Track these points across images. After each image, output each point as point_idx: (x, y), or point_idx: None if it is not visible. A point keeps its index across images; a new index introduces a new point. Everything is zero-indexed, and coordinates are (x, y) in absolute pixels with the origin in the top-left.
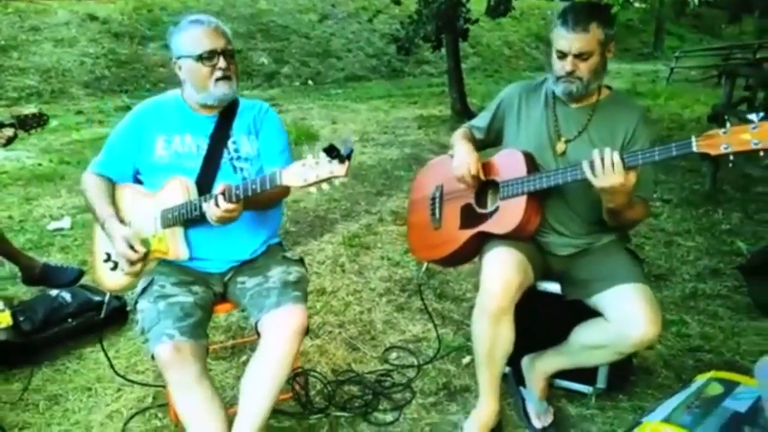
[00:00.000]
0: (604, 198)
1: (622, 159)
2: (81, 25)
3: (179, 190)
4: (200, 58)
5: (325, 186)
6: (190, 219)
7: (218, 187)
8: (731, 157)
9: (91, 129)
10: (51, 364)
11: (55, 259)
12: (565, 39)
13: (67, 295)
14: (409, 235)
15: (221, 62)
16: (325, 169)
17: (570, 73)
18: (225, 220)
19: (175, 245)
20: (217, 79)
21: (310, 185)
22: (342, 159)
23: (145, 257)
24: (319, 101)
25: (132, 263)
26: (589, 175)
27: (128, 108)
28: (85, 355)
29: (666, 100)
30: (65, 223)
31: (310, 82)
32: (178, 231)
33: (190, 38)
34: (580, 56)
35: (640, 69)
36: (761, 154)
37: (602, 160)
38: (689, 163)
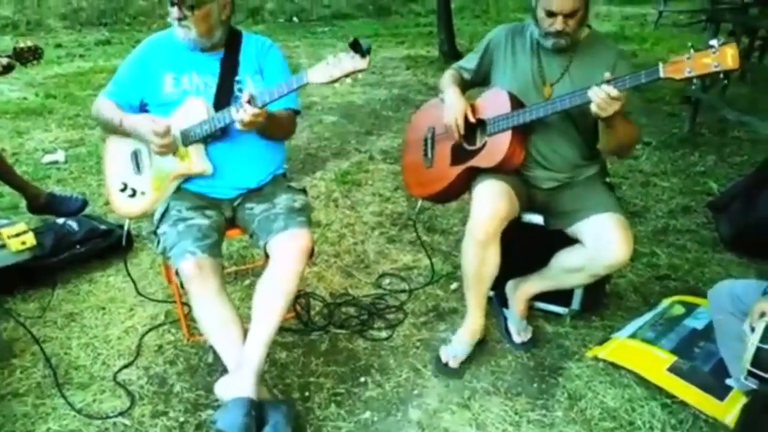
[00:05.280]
0: (606, 124)
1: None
2: None
3: (199, 109)
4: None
5: (348, 80)
6: (211, 134)
7: (244, 95)
8: (694, 81)
9: (73, 63)
10: (63, 287)
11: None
12: (556, 1)
13: (73, 224)
14: (404, 175)
15: (174, 12)
16: (349, 64)
17: (560, 31)
18: (251, 126)
19: (198, 161)
20: (175, 25)
21: (335, 80)
22: (363, 53)
23: (170, 132)
24: (305, 39)
25: (161, 136)
26: (596, 110)
27: (108, 42)
28: (96, 278)
29: (652, 45)
30: (59, 156)
31: (295, 18)
32: (200, 147)
33: None
34: (569, 15)
35: (629, 12)
36: (721, 76)
37: (602, 96)
38: (670, 108)
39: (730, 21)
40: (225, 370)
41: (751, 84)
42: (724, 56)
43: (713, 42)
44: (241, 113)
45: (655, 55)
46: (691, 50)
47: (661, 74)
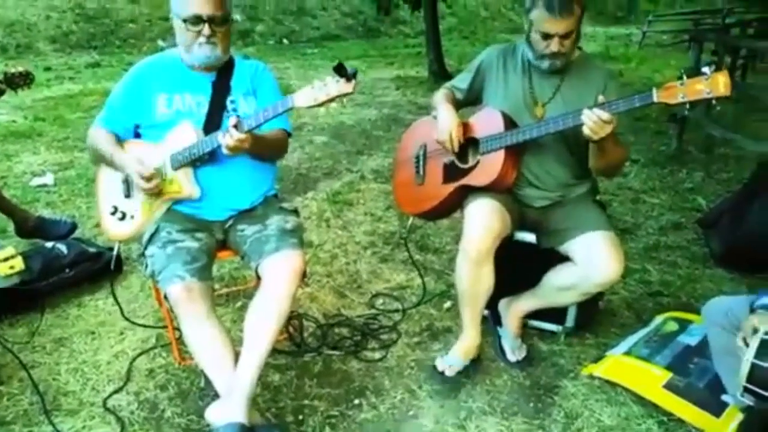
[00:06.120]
0: (598, 146)
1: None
2: None
3: (188, 134)
4: (185, 21)
5: (333, 105)
6: (199, 158)
7: (231, 119)
8: (687, 107)
9: (63, 86)
10: (52, 311)
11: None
12: (551, 23)
13: (62, 247)
14: (396, 193)
15: (205, 29)
16: (334, 88)
17: (556, 53)
18: (236, 150)
19: (187, 185)
20: (201, 44)
21: (321, 104)
22: (349, 77)
23: (157, 176)
24: (295, 60)
25: (147, 180)
26: (588, 133)
27: (98, 65)
28: (85, 302)
29: (637, 64)
30: (48, 179)
31: (285, 40)
32: (189, 171)
33: None
34: (565, 36)
35: (614, 33)
36: (713, 102)
37: (595, 119)
38: (657, 126)
39: (712, 41)
40: (217, 395)
41: (736, 102)
42: (716, 84)
43: (705, 69)
44: (226, 138)
45: (641, 74)
46: (684, 76)
47: (655, 99)
